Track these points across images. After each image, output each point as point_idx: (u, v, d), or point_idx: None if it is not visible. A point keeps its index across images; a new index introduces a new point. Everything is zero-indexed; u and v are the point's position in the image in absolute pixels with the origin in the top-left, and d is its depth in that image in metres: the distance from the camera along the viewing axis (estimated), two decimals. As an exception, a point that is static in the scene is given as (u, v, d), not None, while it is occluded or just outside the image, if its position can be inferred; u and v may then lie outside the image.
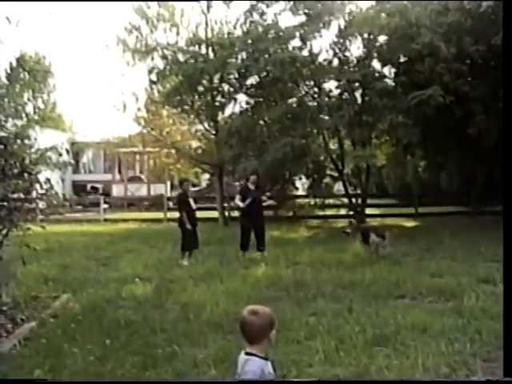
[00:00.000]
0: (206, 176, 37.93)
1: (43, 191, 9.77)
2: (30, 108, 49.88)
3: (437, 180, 28.89)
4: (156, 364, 6.67)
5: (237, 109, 24.15)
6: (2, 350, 7.22)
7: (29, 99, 50.41)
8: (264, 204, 15.54)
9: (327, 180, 24.87)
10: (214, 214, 24.63)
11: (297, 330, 7.54)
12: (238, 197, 15.15)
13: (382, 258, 13.66)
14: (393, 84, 20.81)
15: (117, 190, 37.97)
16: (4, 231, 9.16)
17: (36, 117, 47.00)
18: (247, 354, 3.85)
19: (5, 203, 9.11)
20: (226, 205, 24.81)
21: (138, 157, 41.80)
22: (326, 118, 21.41)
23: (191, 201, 14.46)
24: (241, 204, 14.83)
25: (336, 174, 23.98)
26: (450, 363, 6.42)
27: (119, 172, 41.18)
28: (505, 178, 3.10)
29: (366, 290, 10.37)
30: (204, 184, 40.93)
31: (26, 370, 6.48)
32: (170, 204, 26.51)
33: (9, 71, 50.70)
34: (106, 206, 29.54)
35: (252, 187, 14.95)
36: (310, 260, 13.62)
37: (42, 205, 10.68)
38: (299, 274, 12.21)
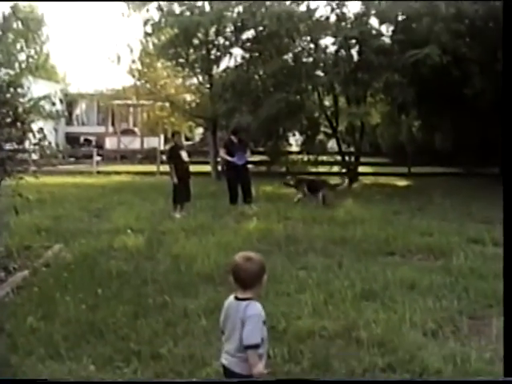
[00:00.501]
0: (200, 130, 37.81)
1: (36, 141, 9.76)
2: (22, 57, 49.43)
3: (431, 140, 28.87)
4: (147, 313, 6.76)
5: (232, 63, 23.98)
6: (-5, 297, 7.30)
7: (22, 49, 49.89)
8: (249, 159, 15.90)
9: (321, 137, 24.85)
10: (207, 168, 24.63)
11: (287, 283, 7.64)
12: (222, 150, 15.29)
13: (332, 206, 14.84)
14: (390, 42, 20.66)
15: (110, 143, 37.79)
16: (-4, 180, 9.18)
17: (29, 66, 46.58)
18: (243, 299, 3.93)
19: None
20: (219, 159, 24.75)
21: (131, 109, 41.54)
22: (322, 74, 21.33)
23: (183, 154, 14.44)
24: (229, 158, 14.99)
25: (330, 131, 23.96)
26: (436, 319, 6.53)
27: (112, 124, 40.93)
28: (504, 139, 3.12)
29: (357, 246, 10.48)
30: (197, 138, 40.79)
31: (19, 317, 6.56)
32: (163, 157, 26.45)
33: (1, 20, 50.18)
34: (98, 158, 29.45)
35: (235, 141, 15.07)
36: (302, 216, 13.70)
37: (35, 156, 10.67)
38: (291, 228, 12.30)
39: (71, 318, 6.52)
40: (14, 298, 7.43)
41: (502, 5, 3.86)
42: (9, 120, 9.25)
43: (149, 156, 30.21)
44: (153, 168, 26.59)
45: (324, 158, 25.36)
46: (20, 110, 9.35)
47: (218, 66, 24.66)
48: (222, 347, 4.08)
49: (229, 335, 4.01)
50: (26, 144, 9.83)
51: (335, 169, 25.26)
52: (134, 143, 37.13)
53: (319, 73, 21.46)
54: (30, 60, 51.71)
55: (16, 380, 4.47)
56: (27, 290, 7.73)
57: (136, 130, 40.28)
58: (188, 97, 27.39)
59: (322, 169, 25.71)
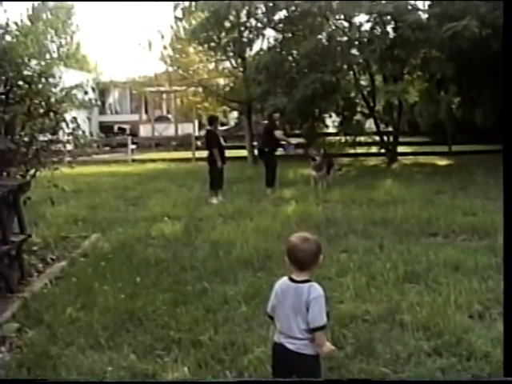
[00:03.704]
0: (235, 115, 37.80)
1: (70, 130, 9.82)
2: (53, 48, 49.88)
3: (471, 117, 28.42)
4: (186, 301, 6.77)
5: (265, 45, 23.90)
6: (33, 289, 7.37)
7: (52, 39, 50.34)
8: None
9: (358, 117, 24.58)
10: (243, 152, 24.61)
11: (328, 267, 7.57)
12: (279, 132, 15.37)
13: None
14: (426, 16, 20.32)
15: (144, 131, 38.01)
16: (32, 171, 9.27)
17: (60, 56, 46.98)
18: (301, 281, 3.94)
19: (32, 144, 9.19)
20: (255, 143, 24.68)
21: (164, 96, 41.70)
22: (357, 53, 21.10)
23: (221, 138, 14.53)
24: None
25: (367, 111, 23.73)
26: (482, 301, 6.43)
27: (146, 112, 41.17)
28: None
29: (398, 227, 10.39)
30: (232, 123, 40.80)
31: (59, 308, 6.62)
32: (198, 143, 26.48)
33: (31, 11, 50.66)
34: (133, 146, 29.61)
35: (277, 124, 15.32)
36: (341, 198, 13.64)
37: (69, 146, 10.76)
38: (330, 211, 12.25)
39: (110, 308, 6.56)
40: (53, 288, 7.50)
41: (503, 5, 3.79)
42: (42, 111, 9.32)
43: (183, 142, 30.26)
44: (188, 154, 26.64)
45: (362, 138, 25.13)
46: (52, 100, 9.42)
47: (250, 49, 24.57)
48: (277, 331, 4.09)
49: (288, 319, 4.00)
50: (60, 134, 9.91)
51: (373, 149, 25.07)
52: (169, 130, 37.29)
53: (354, 51, 21.24)
54: (61, 50, 52.20)
55: (16, 380, 4.50)
56: (65, 281, 7.81)
57: (170, 116, 40.44)
58: (221, 81, 27.38)
59: (360, 150, 25.54)
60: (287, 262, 4.02)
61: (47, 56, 9.80)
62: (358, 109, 24.28)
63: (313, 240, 4.03)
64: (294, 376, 4.02)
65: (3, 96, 8.70)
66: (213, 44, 24.49)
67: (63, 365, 5.19)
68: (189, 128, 35.88)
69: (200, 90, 27.84)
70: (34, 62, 9.37)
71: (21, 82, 9.04)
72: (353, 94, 23.68)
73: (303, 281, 3.96)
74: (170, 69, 27.88)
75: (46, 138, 9.52)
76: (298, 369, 4.02)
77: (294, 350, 3.99)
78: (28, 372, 5.07)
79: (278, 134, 15.25)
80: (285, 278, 4.08)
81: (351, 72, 22.45)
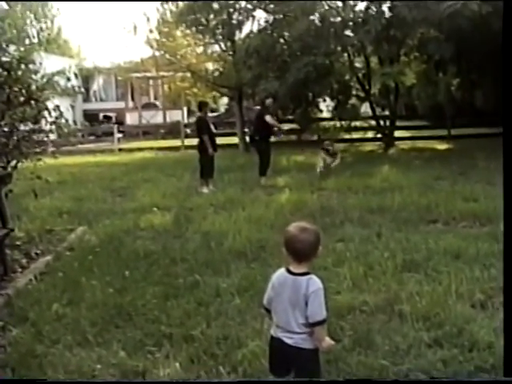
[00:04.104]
0: (225, 101, 37.75)
1: (53, 119, 9.78)
2: (33, 32, 49.55)
3: (471, 99, 28.46)
4: (177, 294, 6.77)
5: (255, 27, 23.89)
6: (17, 285, 7.35)
7: (31, 23, 49.98)
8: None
9: (353, 101, 24.65)
10: (234, 139, 24.59)
11: (324, 257, 7.56)
12: (269, 116, 15.23)
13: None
14: (423, -6, 20.29)
15: (131, 118, 37.96)
16: (13, 163, 9.23)
17: (40, 41, 46.70)
18: (300, 273, 3.94)
19: (13, 134, 9.15)
20: (246, 130, 24.66)
21: (151, 82, 41.64)
22: (351, 34, 21.05)
23: (211, 125, 14.53)
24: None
25: (362, 95, 23.77)
26: (485, 290, 6.44)
27: (132, 99, 41.10)
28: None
29: (396, 214, 10.41)
30: (222, 109, 40.76)
31: (44, 304, 6.60)
32: (188, 131, 26.47)
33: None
34: (120, 135, 29.57)
35: (271, 110, 15.18)
36: (336, 185, 13.67)
37: (52, 136, 10.72)
38: (325, 199, 12.27)
39: (98, 303, 6.55)
40: (38, 284, 7.48)
41: (503, 5, 3.80)
42: (22, 99, 9.27)
43: (172, 130, 30.26)
44: (177, 143, 26.65)
45: (357, 123, 25.16)
46: (33, 87, 9.36)
47: (240, 31, 24.53)
48: (274, 325, 4.12)
49: (286, 313, 4.02)
50: (43, 124, 9.86)
51: (369, 134, 25.09)
52: (156, 117, 37.24)
53: (348, 32, 21.18)
54: (41, 35, 51.86)
55: (16, 380, 4.49)
56: (51, 276, 7.79)
57: (157, 103, 40.37)
58: (210, 65, 27.35)
59: (355, 135, 25.57)
60: (285, 253, 4.01)
61: (27, 41, 9.73)
62: (353, 92, 24.36)
63: (312, 230, 4.02)
64: (293, 371, 4.07)
65: (-20, 84, 8.66)
66: (201, 27, 24.49)
67: (49, 363, 5.17)
68: (177, 115, 35.85)
69: (188, 75, 27.79)
70: (12, 48, 9.32)
71: (-1, 69, 9.00)
72: (347, 77, 23.73)
73: (302, 273, 3.95)
74: (157, 53, 27.81)
75: (27, 128, 9.48)
76: (296, 363, 4.06)
77: (292, 345, 4.00)
78: (12, 372, 5.06)
79: (269, 118, 15.17)
80: (282, 270, 4.08)
81: (345, 54, 22.47)
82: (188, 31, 25.96)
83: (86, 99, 41.32)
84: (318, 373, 4.15)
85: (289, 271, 4.01)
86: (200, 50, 27.15)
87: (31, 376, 4.95)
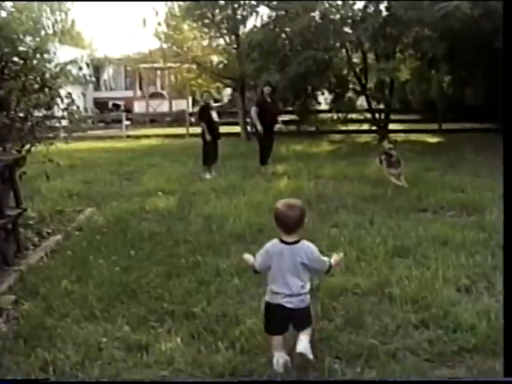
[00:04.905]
0: (228, 91, 37.67)
1: (65, 106, 9.78)
2: (48, 24, 49.41)
3: (462, 96, 28.41)
4: (180, 273, 6.81)
5: (258, 22, 23.80)
6: (29, 262, 7.39)
7: (47, 15, 49.81)
8: (281, 119, 15.44)
9: (350, 94, 24.66)
10: (237, 128, 24.57)
11: (319, 241, 7.59)
12: (254, 109, 14.96)
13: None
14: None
15: (138, 107, 37.83)
16: (27, 147, 9.25)
17: (55, 32, 46.60)
18: (293, 242, 4.42)
19: (27, 119, 9.16)
20: (248, 120, 24.62)
21: (158, 72, 41.44)
22: (350, 31, 20.99)
23: (213, 113, 14.47)
24: (259, 127, 14.69)
25: (359, 89, 23.75)
26: (470, 275, 6.48)
27: (140, 88, 40.95)
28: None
29: (388, 203, 10.44)
30: (226, 99, 40.67)
31: (54, 280, 6.63)
32: (192, 119, 26.41)
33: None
34: (128, 122, 29.51)
35: (268, 99, 14.83)
36: (333, 174, 13.69)
37: (64, 122, 10.74)
38: (321, 187, 12.30)
39: (105, 280, 6.59)
40: (48, 261, 7.52)
41: (502, 5, 3.80)
42: (36, 86, 9.27)
43: (178, 118, 30.18)
44: (182, 130, 26.61)
45: (353, 115, 25.15)
46: (47, 75, 9.36)
47: (244, 26, 24.49)
48: (270, 292, 4.52)
49: (285, 279, 4.42)
50: (55, 111, 9.87)
51: (365, 126, 25.07)
52: (163, 106, 37.11)
53: (347, 29, 21.13)
54: (56, 26, 51.75)
55: (17, 380, 4.52)
56: (61, 254, 7.83)
57: (164, 93, 40.25)
58: (215, 58, 27.29)
59: (351, 127, 25.56)
60: (275, 226, 4.47)
61: (42, 32, 9.71)
62: (350, 86, 24.36)
63: (297, 207, 4.46)
64: (291, 327, 4.57)
65: (-2, 72, 8.65)
66: (207, 21, 24.43)
67: (58, 336, 5.21)
68: (183, 104, 35.75)
69: (194, 66, 27.72)
70: (28, 38, 9.30)
71: (16, 58, 8.99)
72: (345, 72, 23.74)
73: (294, 242, 4.43)
74: (165, 45, 27.74)
75: (41, 114, 9.49)
76: (295, 321, 4.52)
77: (293, 308, 4.42)
78: (24, 343, 5.10)
79: (253, 112, 14.97)
80: (275, 240, 4.46)
81: (344, 50, 22.35)
82: (194, 25, 25.91)
83: (97, 88, 41.17)
84: (311, 321, 4.61)
85: (283, 241, 4.42)
86: (205, 42, 27.10)
87: (41, 347, 4.98)
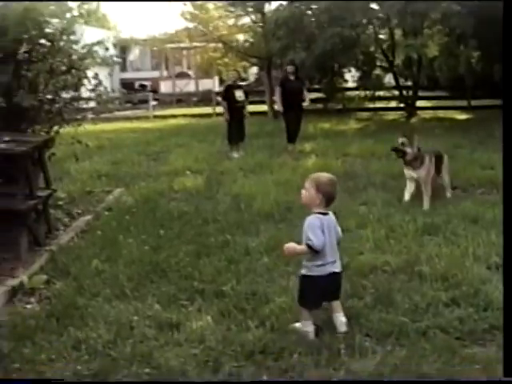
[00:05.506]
0: (254, 70, 37.52)
1: (92, 87, 9.81)
2: (73, 6, 49.50)
3: (491, 72, 28.01)
4: (209, 252, 6.84)
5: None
6: (60, 242, 7.47)
7: (72, -4, 49.88)
8: (308, 97, 15.12)
9: (377, 72, 24.41)
10: (264, 107, 24.50)
11: (347, 219, 7.59)
12: (278, 89, 14.82)
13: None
14: (447, -30, 19.89)
15: (165, 87, 37.84)
16: (55, 128, 9.30)
17: (81, 14, 46.68)
18: (327, 213, 4.74)
19: (56, 101, 9.20)
20: (274, 98, 24.47)
21: (184, 52, 41.40)
22: (377, 7, 20.76)
23: (238, 93, 14.37)
24: (281, 109, 14.53)
25: (386, 66, 23.52)
26: (500, 253, 6.39)
27: (166, 68, 40.96)
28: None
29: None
30: (252, 78, 40.53)
31: (85, 260, 6.70)
32: (219, 99, 26.38)
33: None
34: (154, 102, 29.53)
35: (292, 77, 14.63)
36: (360, 152, 13.62)
37: (91, 103, 10.78)
38: (349, 165, 12.23)
39: (135, 259, 6.64)
40: (79, 241, 7.59)
41: (503, 5, 3.75)
42: (64, 68, 9.30)
43: (204, 98, 30.17)
44: (208, 110, 26.58)
45: (381, 93, 24.94)
46: (74, 57, 9.39)
47: (270, 4, 24.29)
48: (317, 265, 4.67)
49: (334, 248, 4.73)
50: (83, 92, 9.90)
51: (392, 104, 24.86)
52: (189, 86, 37.10)
53: (374, 6, 20.90)
54: (81, 9, 51.82)
55: (33, 379, 4.56)
56: (91, 234, 7.90)
57: (190, 72, 40.20)
58: (241, 37, 27.15)
59: (379, 104, 25.36)
60: (319, 198, 4.64)
61: (68, 14, 9.70)
62: (378, 63, 24.07)
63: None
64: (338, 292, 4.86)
65: (26, 54, 8.67)
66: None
67: (90, 315, 5.27)
68: (209, 84, 35.71)
69: (220, 45, 27.62)
70: (55, 21, 9.31)
71: (43, 41, 9.01)
72: (372, 49, 23.45)
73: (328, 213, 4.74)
74: (190, 25, 27.65)
75: (68, 96, 9.52)
76: (338, 287, 4.86)
77: (340, 271, 4.84)
78: (57, 321, 5.16)
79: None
80: (318, 216, 4.64)
81: (371, 26, 22.12)
82: (220, 4, 25.79)
83: (123, 69, 41.23)
84: None
85: (325, 214, 4.67)
86: (231, 21, 26.96)
87: (74, 325, 5.04)
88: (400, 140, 9.18)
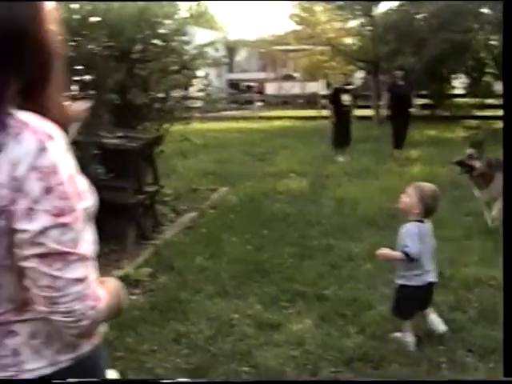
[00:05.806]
0: (359, 74, 37.26)
1: (202, 87, 9.96)
2: (184, 8, 50.56)
3: None
4: (312, 255, 6.82)
5: (394, 3, 23.31)
6: (165, 237, 7.62)
7: (183, -2, 50.93)
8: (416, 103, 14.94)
9: (487, 78, 23.71)
10: (369, 112, 24.25)
11: (453, 229, 7.40)
12: (386, 94, 14.69)
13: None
14: None
15: (270, 88, 38.07)
16: (165, 125, 9.50)
17: (192, 15, 47.63)
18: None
19: (166, 99, 9.40)
20: (381, 103, 24.19)
21: (291, 55, 41.50)
22: (489, 11, 20.16)
23: (344, 97, 14.27)
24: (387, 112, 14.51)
25: (497, 72, 22.80)
26: None
27: (273, 70, 41.18)
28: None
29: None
30: (358, 82, 40.24)
31: (188, 256, 6.81)
32: (325, 102, 26.30)
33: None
34: (260, 103, 29.76)
35: (401, 82, 14.44)
36: (468, 160, 13.22)
37: (199, 102, 10.95)
38: (455, 173, 11.90)
39: (238, 258, 6.70)
40: (183, 237, 7.73)
41: (503, 5, 3.54)
42: (175, 68, 9.48)
43: (309, 101, 30.16)
44: (314, 113, 26.53)
45: (491, 100, 24.20)
46: (185, 57, 9.56)
47: (377, 7, 24.02)
48: (416, 275, 4.57)
49: (430, 256, 4.65)
50: (191, 91, 10.07)
51: (502, 112, 24.12)
52: (295, 88, 37.16)
53: (486, 10, 20.30)
54: (192, 10, 52.85)
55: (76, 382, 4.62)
56: (195, 231, 8.03)
57: (296, 75, 40.28)
58: (349, 40, 26.97)
59: (488, 112, 24.62)
60: (419, 208, 4.55)
61: (180, 15, 9.89)
62: (488, 70, 23.38)
63: None
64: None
65: (140, 54, 8.89)
66: (340, 3, 24.13)
67: (192, 310, 5.35)
68: (314, 87, 35.65)
69: (327, 48, 27.53)
70: (167, 22, 9.51)
71: (155, 41, 9.22)
72: (483, 55, 22.79)
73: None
74: (298, 28, 27.71)
75: (178, 95, 9.70)
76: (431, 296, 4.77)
77: (435, 281, 4.73)
78: (160, 314, 5.27)
79: (386, 97, 14.71)
80: (417, 223, 4.55)
81: (482, 32, 21.51)
82: (328, 6, 25.70)
83: (230, 69, 41.74)
84: None
85: (422, 221, 4.56)
86: (339, 25, 26.83)
87: (176, 319, 5.13)
88: (468, 151, 7.95)
